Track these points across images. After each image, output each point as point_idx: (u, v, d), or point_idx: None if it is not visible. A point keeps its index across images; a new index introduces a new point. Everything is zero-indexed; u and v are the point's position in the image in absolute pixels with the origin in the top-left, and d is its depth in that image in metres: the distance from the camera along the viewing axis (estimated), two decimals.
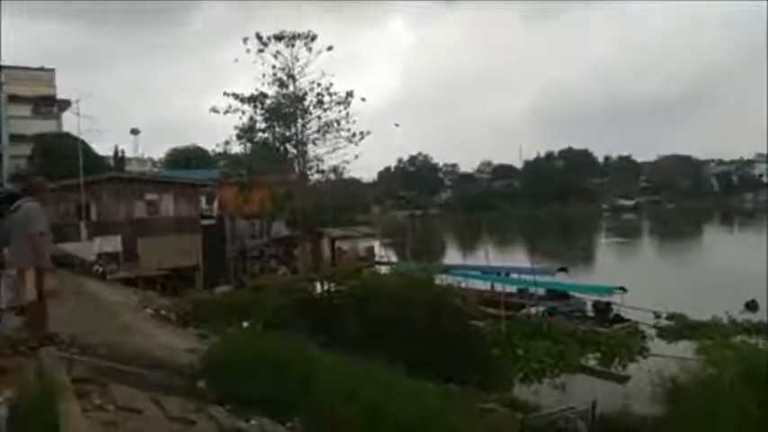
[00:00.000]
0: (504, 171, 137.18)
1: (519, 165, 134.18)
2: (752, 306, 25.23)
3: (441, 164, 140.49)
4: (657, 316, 25.07)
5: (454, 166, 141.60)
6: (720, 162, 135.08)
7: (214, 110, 29.66)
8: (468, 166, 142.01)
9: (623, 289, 24.73)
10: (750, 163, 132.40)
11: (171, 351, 11.34)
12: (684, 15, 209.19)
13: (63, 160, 31.42)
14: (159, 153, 68.06)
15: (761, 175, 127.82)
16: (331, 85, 29.24)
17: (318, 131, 29.88)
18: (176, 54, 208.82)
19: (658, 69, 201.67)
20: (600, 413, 12.22)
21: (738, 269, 34.46)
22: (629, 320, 24.37)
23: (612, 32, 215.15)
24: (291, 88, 29.87)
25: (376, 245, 43.14)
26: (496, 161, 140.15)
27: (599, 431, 11.81)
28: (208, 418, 7.28)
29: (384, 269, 30.26)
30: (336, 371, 9.15)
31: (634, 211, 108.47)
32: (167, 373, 8.74)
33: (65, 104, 42.25)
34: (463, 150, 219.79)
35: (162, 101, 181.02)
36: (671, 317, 24.96)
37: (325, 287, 23.81)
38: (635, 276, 33.25)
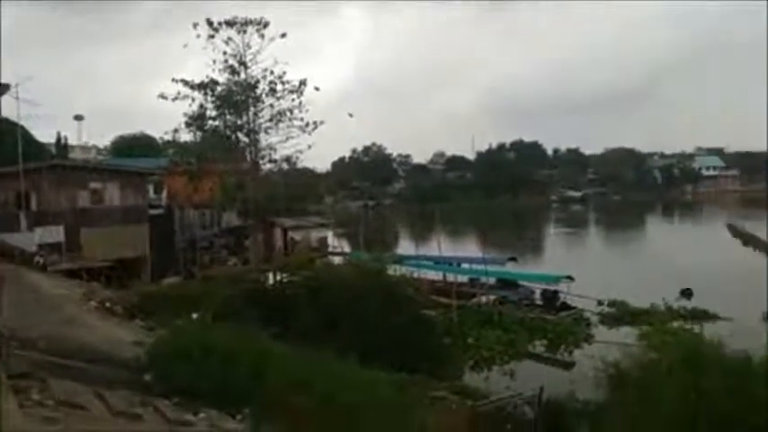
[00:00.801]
0: (456, 162, 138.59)
1: (472, 156, 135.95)
2: (687, 293, 26.37)
3: (394, 154, 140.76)
4: (600, 303, 25.90)
5: (408, 156, 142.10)
6: (663, 155, 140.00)
7: (162, 96, 28.82)
8: (421, 156, 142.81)
9: (570, 278, 25.43)
10: (690, 156, 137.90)
11: (116, 344, 11.04)
12: (631, 14, 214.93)
13: (0, 147, 29.99)
14: (105, 140, 65.79)
15: (700, 168, 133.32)
16: (284, 73, 28.81)
17: (271, 120, 29.41)
18: (123, 39, 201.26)
19: (606, 65, 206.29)
20: (546, 398, 12.55)
21: (676, 258, 35.95)
22: (575, 308, 25.12)
23: (564, 27, 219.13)
24: (243, 76, 29.28)
25: (329, 235, 42.96)
26: (450, 152, 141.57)
27: (545, 416, 12.12)
28: (154, 412, 7.13)
29: (337, 259, 30.20)
30: (288, 361, 9.10)
31: (582, 202, 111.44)
32: (112, 366, 8.52)
33: (3, 88, 40.16)
34: (417, 141, 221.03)
35: (108, 86, 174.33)
36: (613, 304, 25.83)
37: (278, 278, 23.61)
38: (581, 266, 34.26)
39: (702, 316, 22.20)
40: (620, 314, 24.79)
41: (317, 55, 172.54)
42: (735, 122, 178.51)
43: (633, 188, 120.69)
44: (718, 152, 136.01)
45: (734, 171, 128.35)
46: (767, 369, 8.41)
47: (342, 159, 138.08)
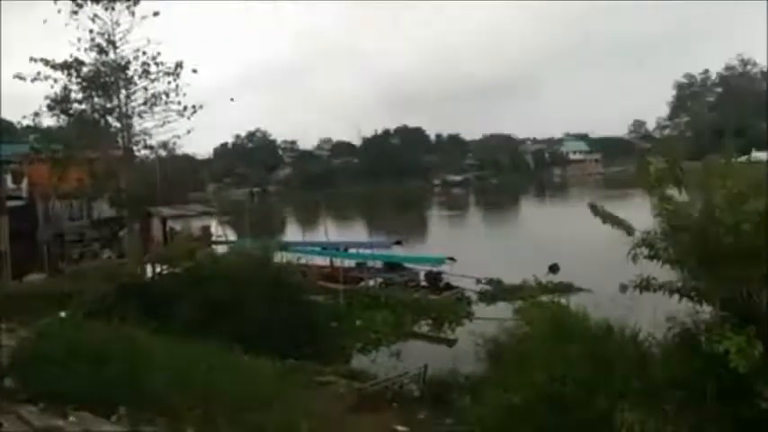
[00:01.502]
0: (342, 148, 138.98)
1: (357, 142, 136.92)
2: (554, 269, 28.37)
3: (280, 141, 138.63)
4: (479, 282, 27.16)
5: (293, 143, 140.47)
6: (535, 140, 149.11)
7: (19, 77, 26.19)
8: (307, 143, 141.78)
9: (452, 259, 26.41)
10: (559, 141, 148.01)
11: None
12: (509, 6, 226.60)
13: None
14: None
15: (567, 153, 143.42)
16: (158, 54, 27.18)
17: (145, 103, 27.63)
18: None
19: (484, 55, 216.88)
20: (431, 375, 13.05)
21: (546, 236, 38.60)
22: (457, 288, 26.19)
23: (446, 18, 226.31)
24: (112, 55, 27.31)
25: (213, 224, 41.60)
26: (336, 138, 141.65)
27: (429, 392, 12.61)
28: (17, 419, 6.57)
29: (221, 248, 29.31)
30: (168, 356, 8.72)
31: (462, 185, 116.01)
32: None
33: None
34: (302, 127, 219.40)
35: None
36: (489, 282, 27.20)
37: (157, 270, 22.54)
38: (463, 246, 35.76)
39: (568, 289, 23.89)
40: (496, 291, 26.16)
41: (201, 39, 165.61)
42: (598, 110, 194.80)
43: (509, 172, 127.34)
44: (583, 137, 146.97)
45: (597, 155, 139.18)
46: (631, 336, 9.24)
47: (225, 145, 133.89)
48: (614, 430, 7.51)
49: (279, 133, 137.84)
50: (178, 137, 28.09)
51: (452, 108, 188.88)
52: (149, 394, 6.82)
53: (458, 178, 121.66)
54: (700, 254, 7.72)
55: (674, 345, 8.00)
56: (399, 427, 11.09)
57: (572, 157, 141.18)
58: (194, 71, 28.00)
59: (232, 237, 39.32)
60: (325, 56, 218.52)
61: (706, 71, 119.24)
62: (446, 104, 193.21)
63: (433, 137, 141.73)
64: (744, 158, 10.91)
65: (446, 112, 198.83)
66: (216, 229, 40.26)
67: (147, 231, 33.48)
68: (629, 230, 8.54)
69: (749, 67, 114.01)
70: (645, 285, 8.14)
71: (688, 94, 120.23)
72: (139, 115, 27.93)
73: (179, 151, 30.94)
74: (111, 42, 27.14)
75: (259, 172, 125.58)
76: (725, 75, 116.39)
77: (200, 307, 16.26)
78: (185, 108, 27.46)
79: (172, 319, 15.89)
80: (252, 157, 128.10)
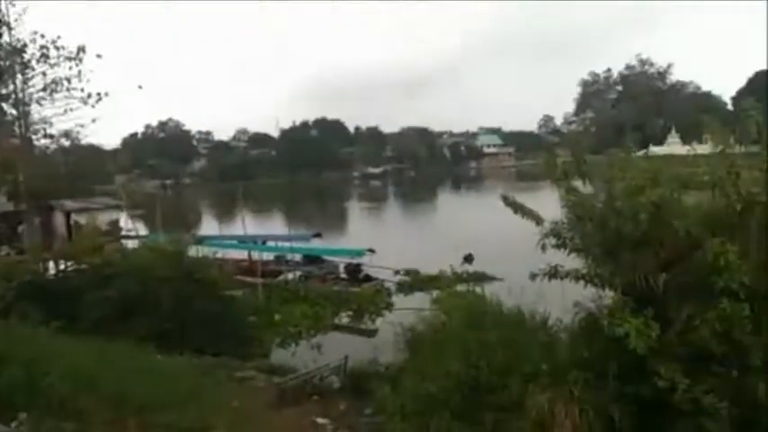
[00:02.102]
0: (260, 140, 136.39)
1: (276, 134, 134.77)
2: (468, 259, 29.18)
3: (194, 131, 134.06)
4: (396, 273, 27.52)
5: (209, 133, 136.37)
6: (451, 134, 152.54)
7: None
8: (223, 134, 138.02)
9: (372, 250, 26.60)
10: (474, 135, 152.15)
11: None
12: (427, 10, 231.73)
13: None
14: None
15: (482, 146, 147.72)
16: (58, 37, 25.52)
17: (44, 90, 25.92)
18: None
19: (401, 50, 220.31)
20: (351, 366, 13.11)
21: (462, 227, 39.68)
22: (377, 279, 26.42)
23: (367, 15, 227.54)
24: (6, 38, 25.39)
25: (122, 217, 39.71)
26: (253, 130, 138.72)
27: (350, 383, 12.68)
28: None
29: (132, 243, 28.05)
30: (74, 357, 8.26)
31: (381, 178, 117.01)
32: None
33: None
34: (218, 118, 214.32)
35: None
36: (407, 273, 27.63)
37: (61, 267, 21.30)
38: (382, 238, 36.10)
39: (482, 278, 24.66)
40: (413, 282, 26.63)
41: (109, 23, 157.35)
42: (511, 106, 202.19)
43: (427, 164, 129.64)
44: (496, 131, 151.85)
45: (510, 148, 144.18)
46: (541, 322, 9.66)
47: (135, 135, 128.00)
48: (526, 412, 7.85)
49: (193, 124, 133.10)
50: (82, 126, 26.57)
51: (371, 101, 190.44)
52: (53, 398, 6.44)
53: (377, 170, 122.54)
54: (602, 242, 8.18)
55: (580, 329, 8.44)
56: (319, 420, 11.08)
57: (487, 150, 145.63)
58: (99, 56, 26.59)
59: (143, 231, 37.70)
60: (249, 50, 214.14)
61: (608, 70, 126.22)
62: (365, 97, 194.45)
63: (352, 129, 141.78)
64: (642, 153, 11.65)
65: (365, 105, 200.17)
66: (126, 223, 38.49)
67: (48, 226, 31.50)
68: (538, 221, 8.91)
69: (647, 66, 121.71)
70: (553, 273, 8.51)
71: (592, 92, 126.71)
72: (38, 102, 26.18)
73: (84, 141, 29.21)
74: (6, 24, 25.25)
75: (172, 163, 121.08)
76: (625, 74, 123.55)
77: (109, 305, 15.54)
78: (89, 95, 25.96)
79: (78, 318, 15.10)
80: (164, 148, 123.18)
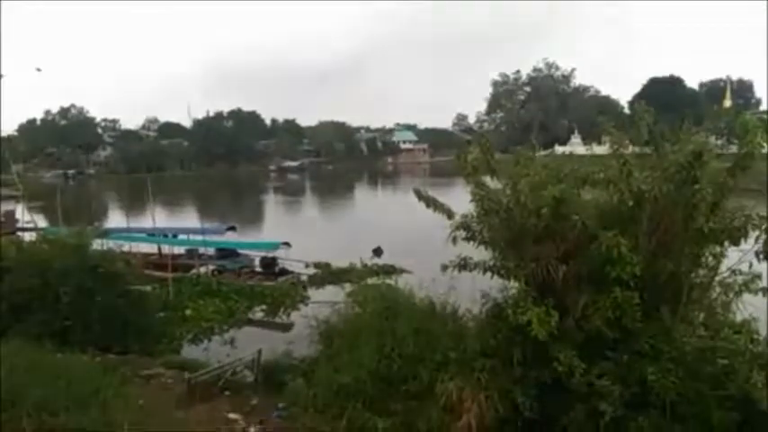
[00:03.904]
0: (171, 129, 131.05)
1: (188, 124, 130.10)
2: (378, 252, 29.65)
3: (99, 119, 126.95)
4: (307, 266, 27.38)
5: (115, 121, 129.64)
6: (368, 129, 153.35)
7: None
8: (131, 122, 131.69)
9: (287, 244, 26.34)
10: (390, 131, 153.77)
11: None
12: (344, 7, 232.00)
13: None
14: None
15: (398, 142, 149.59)
16: None
17: None
18: None
19: (320, 45, 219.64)
20: (265, 360, 12.98)
21: (376, 221, 40.12)
22: (292, 272, 26.21)
23: (284, 5, 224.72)
24: None
25: (18, 209, 37.18)
26: (164, 119, 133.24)
27: (263, 377, 12.56)
28: None
29: (29, 236, 26.31)
30: None
31: (298, 171, 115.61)
32: None
33: None
34: (126, 106, 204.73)
35: None
36: (319, 266, 27.59)
37: None
38: (298, 232, 35.82)
39: (392, 271, 25.05)
40: (325, 275, 26.65)
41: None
42: (425, 103, 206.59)
43: (344, 158, 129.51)
44: (412, 128, 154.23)
45: (424, 145, 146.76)
46: (451, 312, 9.97)
47: (33, 122, 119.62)
48: (436, 399, 8.12)
49: (99, 111, 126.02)
50: None
51: (288, 94, 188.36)
52: None
53: (294, 164, 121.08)
54: (508, 235, 8.60)
55: (487, 318, 8.83)
56: (231, 415, 10.92)
57: (403, 146, 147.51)
58: None
59: (43, 224, 35.47)
60: (161, 37, 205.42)
61: (518, 71, 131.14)
62: (282, 90, 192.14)
63: (268, 121, 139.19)
64: (547, 152, 12.31)
65: (282, 98, 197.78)
66: (22, 214, 36.06)
67: None
68: (449, 214, 9.21)
69: (553, 70, 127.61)
70: (463, 265, 8.85)
71: (502, 92, 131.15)
72: None
73: None
74: None
75: (75, 152, 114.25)
76: (533, 75, 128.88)
77: (2, 300, 14.53)
78: None
79: None
80: (66, 136, 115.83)
